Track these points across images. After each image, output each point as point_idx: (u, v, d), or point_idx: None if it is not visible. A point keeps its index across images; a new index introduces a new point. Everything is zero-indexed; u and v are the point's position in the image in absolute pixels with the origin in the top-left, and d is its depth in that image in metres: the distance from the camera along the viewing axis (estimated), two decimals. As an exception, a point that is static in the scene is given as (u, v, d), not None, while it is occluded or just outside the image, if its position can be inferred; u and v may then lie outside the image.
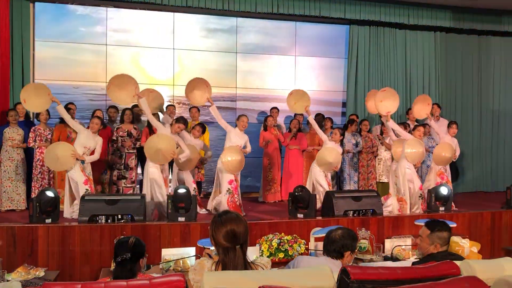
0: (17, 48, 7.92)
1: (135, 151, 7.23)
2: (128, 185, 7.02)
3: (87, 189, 5.96)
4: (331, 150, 6.82)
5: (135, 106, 7.69)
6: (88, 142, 6.17)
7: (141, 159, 7.44)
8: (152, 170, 6.05)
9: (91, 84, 8.56)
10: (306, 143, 7.97)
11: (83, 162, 6.12)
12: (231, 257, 2.35)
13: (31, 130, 6.67)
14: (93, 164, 6.89)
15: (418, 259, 3.37)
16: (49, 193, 5.20)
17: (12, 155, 6.62)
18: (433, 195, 6.28)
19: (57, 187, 6.71)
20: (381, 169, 8.11)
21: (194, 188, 6.60)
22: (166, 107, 7.94)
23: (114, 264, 2.85)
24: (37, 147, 6.66)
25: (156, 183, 6.05)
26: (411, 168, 6.71)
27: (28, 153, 6.91)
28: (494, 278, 1.98)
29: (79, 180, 5.96)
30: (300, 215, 5.71)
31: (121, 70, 8.69)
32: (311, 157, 7.97)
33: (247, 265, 2.37)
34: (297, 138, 7.90)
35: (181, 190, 5.46)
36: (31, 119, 7.52)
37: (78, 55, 8.53)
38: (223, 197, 6.40)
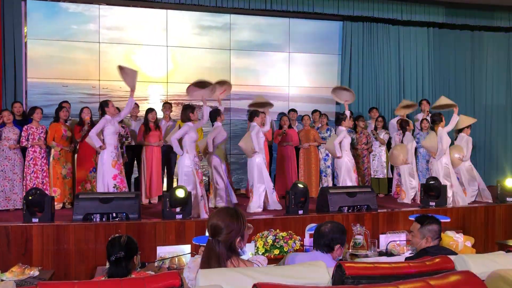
0: (9, 47, 7.85)
1: (123, 149, 7.19)
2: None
3: (115, 185, 5.87)
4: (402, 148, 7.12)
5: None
6: (116, 127, 6.13)
7: (136, 156, 7.41)
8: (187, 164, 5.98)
9: (84, 83, 8.52)
10: (298, 139, 7.97)
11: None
12: (212, 247, 2.42)
13: (24, 129, 6.61)
14: (81, 162, 6.88)
15: (412, 255, 3.40)
16: (38, 193, 5.13)
17: (9, 154, 6.57)
18: (423, 189, 6.33)
19: (53, 185, 6.67)
20: (375, 165, 8.13)
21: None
22: (163, 105, 7.94)
23: (109, 263, 2.84)
24: (30, 146, 6.61)
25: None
26: (448, 165, 6.90)
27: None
28: (488, 272, 1.99)
29: (108, 173, 5.91)
30: (300, 212, 5.71)
31: (114, 68, 8.67)
32: (307, 153, 7.98)
33: (221, 261, 2.38)
34: (288, 135, 7.90)
35: (179, 192, 5.41)
36: (29, 118, 7.45)
37: (70, 53, 8.49)
38: (272, 195, 6.42)
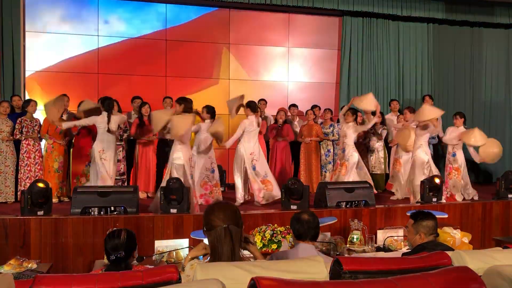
0: (7, 39, 7.83)
1: (122, 143, 7.17)
2: (117, 177, 6.94)
3: None
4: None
5: (136, 98, 7.66)
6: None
7: (129, 152, 7.39)
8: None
9: (82, 75, 8.49)
10: (293, 135, 7.95)
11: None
12: (228, 234, 2.31)
13: (17, 121, 6.57)
14: (77, 156, 6.89)
15: (409, 250, 3.40)
16: (41, 185, 5.15)
17: (1, 147, 6.53)
18: (427, 186, 6.30)
19: (45, 179, 6.65)
20: (373, 160, 8.12)
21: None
22: (164, 99, 7.92)
23: (107, 259, 2.81)
24: (24, 139, 6.59)
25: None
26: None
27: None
28: (484, 268, 1.99)
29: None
30: (293, 206, 5.72)
31: (112, 61, 8.66)
32: (308, 148, 7.96)
33: (236, 250, 2.32)
34: (283, 130, 7.87)
35: (173, 183, 5.42)
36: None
37: (69, 46, 8.46)
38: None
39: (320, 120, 8.36)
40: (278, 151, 7.87)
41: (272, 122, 8.35)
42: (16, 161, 6.66)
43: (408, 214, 5.32)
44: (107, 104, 6.04)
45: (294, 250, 3.14)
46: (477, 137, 6.91)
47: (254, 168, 6.56)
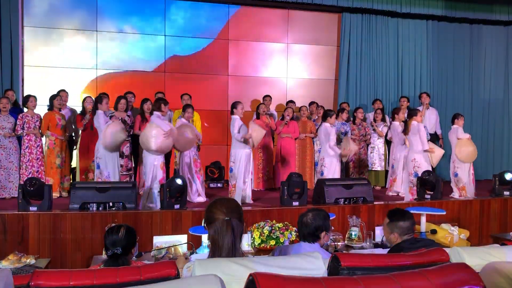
0: (5, 34, 7.80)
1: (129, 139, 7.15)
2: (124, 173, 6.95)
3: None
4: None
5: (128, 93, 7.64)
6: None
7: (134, 147, 7.39)
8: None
9: (81, 71, 8.47)
10: (298, 131, 7.96)
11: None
12: (230, 224, 2.30)
13: (19, 117, 6.57)
14: (84, 151, 6.89)
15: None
16: (36, 181, 5.12)
17: (4, 143, 6.54)
18: (418, 182, 6.32)
19: (47, 175, 6.66)
20: (374, 157, 8.13)
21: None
22: (155, 95, 7.90)
23: (106, 255, 2.81)
24: (25, 135, 6.59)
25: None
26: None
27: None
28: (482, 264, 2.00)
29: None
30: (295, 203, 5.70)
31: (111, 58, 8.64)
32: (303, 144, 7.97)
33: (237, 241, 2.30)
34: (289, 126, 7.89)
35: (178, 181, 5.42)
36: (20, 107, 7.42)
37: (68, 42, 8.43)
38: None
39: (315, 116, 8.38)
40: (284, 146, 7.87)
41: (277, 118, 8.37)
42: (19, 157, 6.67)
43: (410, 211, 5.34)
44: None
45: (297, 245, 3.18)
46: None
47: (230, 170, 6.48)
